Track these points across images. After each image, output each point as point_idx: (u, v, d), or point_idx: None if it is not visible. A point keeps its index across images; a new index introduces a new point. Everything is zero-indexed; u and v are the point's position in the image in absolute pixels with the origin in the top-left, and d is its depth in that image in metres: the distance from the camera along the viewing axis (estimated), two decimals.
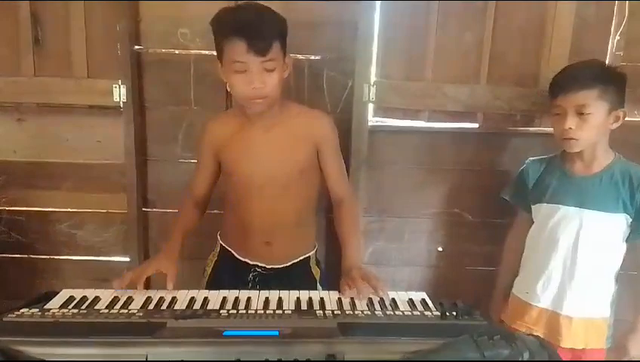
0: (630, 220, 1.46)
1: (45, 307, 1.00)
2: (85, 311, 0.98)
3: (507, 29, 1.76)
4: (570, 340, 1.49)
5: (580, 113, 1.40)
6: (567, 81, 1.44)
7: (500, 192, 1.70)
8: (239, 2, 1.33)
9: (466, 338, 0.83)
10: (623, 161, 1.49)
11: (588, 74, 1.43)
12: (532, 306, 1.55)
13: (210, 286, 1.48)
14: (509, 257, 1.69)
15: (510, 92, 1.76)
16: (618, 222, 1.46)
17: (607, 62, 1.70)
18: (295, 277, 1.48)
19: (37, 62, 1.83)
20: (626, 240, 1.49)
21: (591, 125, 1.41)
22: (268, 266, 1.47)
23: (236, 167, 1.43)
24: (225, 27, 1.27)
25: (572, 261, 1.49)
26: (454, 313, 1.01)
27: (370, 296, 1.13)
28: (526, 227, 1.63)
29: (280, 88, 1.32)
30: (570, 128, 1.41)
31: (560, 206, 1.51)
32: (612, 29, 1.74)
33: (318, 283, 1.51)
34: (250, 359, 0.80)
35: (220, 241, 1.55)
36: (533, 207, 1.59)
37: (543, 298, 1.53)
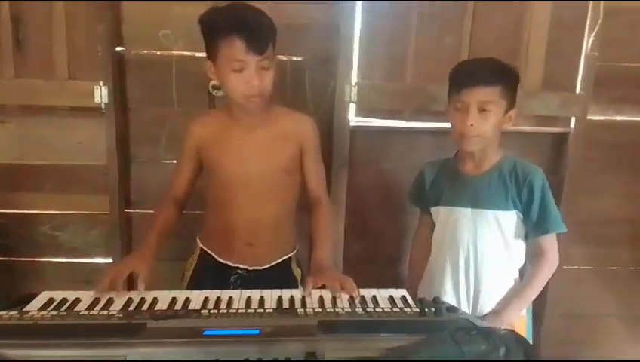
0: (521, 216, 1.45)
1: (24, 309, 0.99)
2: (65, 313, 0.98)
3: (485, 30, 1.79)
4: None
5: (483, 109, 1.36)
6: (473, 76, 1.39)
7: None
8: (228, 2, 1.32)
9: (444, 334, 0.84)
10: (511, 159, 1.48)
11: (494, 71, 1.39)
12: None
13: (190, 289, 1.46)
14: (416, 261, 1.66)
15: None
16: (511, 220, 1.45)
17: (582, 61, 1.73)
18: (276, 278, 1.48)
19: (18, 64, 1.82)
20: (526, 238, 1.49)
21: (491, 123, 1.38)
22: (250, 268, 1.47)
23: (219, 165, 1.43)
24: (222, 26, 1.26)
25: (474, 262, 1.48)
26: (434, 309, 1.02)
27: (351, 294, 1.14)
28: (429, 229, 1.62)
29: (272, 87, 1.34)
30: (472, 125, 1.37)
31: (455, 207, 1.50)
32: (587, 30, 1.77)
33: (299, 285, 1.51)
34: (230, 358, 0.80)
35: (200, 245, 1.54)
36: (432, 209, 1.58)
37: (452, 301, 1.47)
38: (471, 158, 1.48)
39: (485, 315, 1.48)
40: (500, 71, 1.40)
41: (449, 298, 1.50)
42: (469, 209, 1.47)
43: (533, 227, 1.45)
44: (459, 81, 1.41)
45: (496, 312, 1.46)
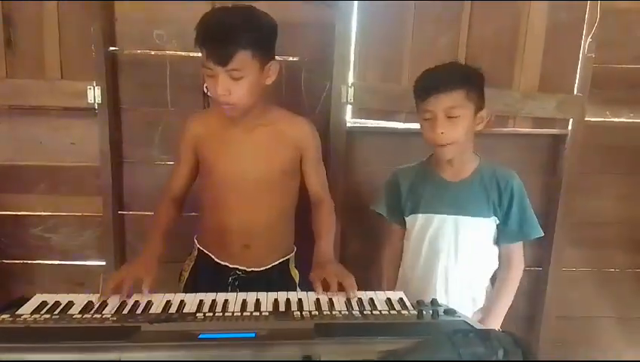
0: (498, 222, 1.46)
1: (17, 313, 0.98)
2: (58, 317, 0.96)
3: (482, 32, 1.79)
4: None
5: (450, 116, 1.36)
6: (436, 83, 1.38)
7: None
8: (218, 6, 1.31)
9: (442, 336, 0.83)
10: (488, 164, 1.48)
11: (456, 75, 1.39)
12: None
13: (188, 290, 1.44)
14: (390, 271, 1.62)
15: (484, 93, 1.78)
16: (490, 226, 1.46)
17: (579, 63, 1.72)
18: (275, 280, 1.47)
19: (9, 64, 1.79)
20: (496, 243, 1.49)
21: (462, 127, 1.37)
22: (248, 269, 1.46)
23: (215, 165, 1.42)
24: (197, 32, 1.26)
25: (453, 269, 1.47)
26: (431, 312, 1.01)
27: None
28: (400, 238, 1.59)
29: (254, 95, 1.31)
30: (442, 133, 1.36)
31: (435, 215, 1.48)
32: (584, 31, 1.77)
33: (297, 286, 1.50)
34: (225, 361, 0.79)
35: (198, 245, 1.53)
36: (407, 218, 1.55)
37: None
38: (449, 165, 1.47)
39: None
40: (461, 74, 1.40)
41: None
42: (451, 216, 1.46)
43: (513, 233, 1.46)
44: (422, 91, 1.40)
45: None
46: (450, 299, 1.45)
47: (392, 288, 1.58)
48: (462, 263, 1.47)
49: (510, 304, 1.49)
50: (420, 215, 1.50)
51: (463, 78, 1.38)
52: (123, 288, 1.11)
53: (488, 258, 1.50)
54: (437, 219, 1.47)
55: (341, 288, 1.16)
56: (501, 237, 1.48)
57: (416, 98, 1.44)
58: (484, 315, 1.49)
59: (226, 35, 1.22)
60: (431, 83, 1.39)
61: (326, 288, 1.16)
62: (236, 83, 1.26)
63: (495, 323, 1.46)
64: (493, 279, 1.53)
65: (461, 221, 1.45)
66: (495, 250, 1.50)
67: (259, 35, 1.27)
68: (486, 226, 1.46)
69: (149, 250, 1.29)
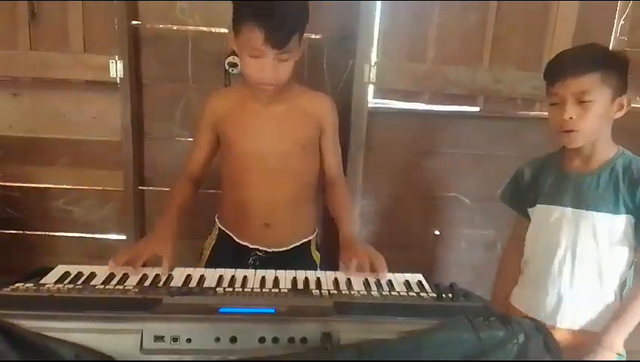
0: (634, 221, 1.30)
1: (40, 282, 0.99)
2: (81, 287, 0.97)
3: (510, 10, 1.75)
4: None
5: (582, 101, 1.24)
6: (566, 65, 1.28)
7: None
8: None
9: (462, 319, 0.83)
10: (626, 155, 1.33)
11: (588, 57, 1.27)
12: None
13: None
14: (506, 268, 1.55)
15: (512, 75, 1.75)
16: (620, 225, 1.31)
17: (611, 46, 1.67)
18: (295, 261, 1.45)
19: (33, 36, 1.80)
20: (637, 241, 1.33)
21: (593, 114, 1.25)
22: (269, 250, 1.46)
23: (236, 140, 1.41)
24: (246, 11, 1.22)
25: (571, 268, 1.35)
26: (450, 295, 1.00)
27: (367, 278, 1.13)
28: (523, 231, 1.48)
29: (291, 73, 1.30)
30: (571, 118, 1.25)
31: (555, 206, 1.37)
32: (617, 13, 1.72)
33: (318, 268, 1.50)
34: (245, 336, 0.79)
35: (219, 224, 1.53)
36: (530, 209, 1.45)
37: (540, 310, 1.39)
38: (578, 154, 1.35)
39: (583, 344, 1.34)
40: (599, 56, 1.28)
41: (534, 308, 1.40)
42: (570, 209, 1.34)
43: None
44: (552, 74, 1.31)
45: (596, 339, 1.31)
46: (567, 304, 1.36)
47: (509, 286, 1.51)
48: (579, 262, 1.34)
49: (636, 323, 1.32)
50: (540, 206, 1.41)
51: (599, 60, 1.26)
52: (136, 262, 1.11)
53: (615, 261, 1.34)
54: (557, 211, 1.37)
55: (372, 269, 1.15)
56: (638, 236, 1.33)
57: (546, 81, 1.34)
58: (608, 323, 1.32)
59: (286, 18, 1.20)
60: (560, 65, 1.30)
61: (358, 269, 1.15)
62: (283, 64, 1.25)
63: (616, 338, 1.30)
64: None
65: (582, 215, 1.33)
66: (627, 253, 1.34)
67: (305, 15, 1.27)
68: (613, 224, 1.31)
69: (164, 227, 1.28)
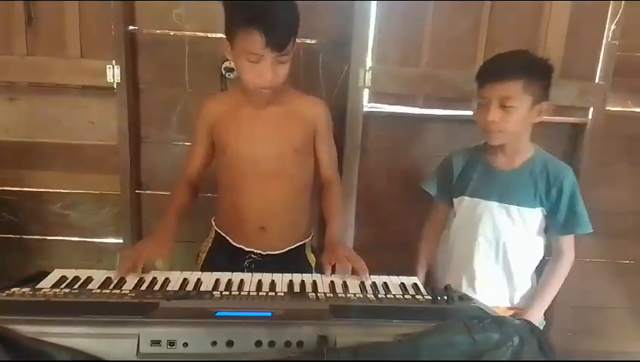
0: (545, 213, 1.45)
1: (37, 286, 0.99)
2: (77, 291, 0.98)
3: (504, 15, 1.76)
4: None
5: (504, 105, 1.34)
6: (493, 71, 1.38)
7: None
8: None
9: (457, 321, 0.83)
10: (542, 155, 1.46)
11: (513, 65, 1.36)
12: None
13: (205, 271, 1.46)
14: (428, 248, 1.66)
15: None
16: (537, 217, 1.45)
17: (602, 50, 1.69)
18: (291, 264, 1.47)
19: (30, 41, 1.81)
20: (545, 235, 1.49)
21: (515, 118, 1.35)
22: (264, 253, 1.47)
23: (231, 144, 1.42)
24: (243, 14, 1.21)
25: (495, 255, 1.49)
26: (445, 297, 1.01)
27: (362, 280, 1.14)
28: (443, 218, 1.63)
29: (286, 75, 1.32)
30: (494, 121, 1.36)
31: (481, 200, 1.49)
32: (608, 18, 1.73)
33: (313, 271, 1.50)
34: (242, 340, 0.80)
35: (215, 227, 1.54)
36: (455, 199, 1.57)
37: (468, 292, 1.44)
38: (501, 152, 1.47)
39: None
40: (523, 64, 1.36)
41: (463, 288, 1.51)
42: (495, 203, 1.46)
43: (559, 226, 1.44)
44: (482, 77, 1.41)
45: (519, 315, 1.45)
46: (487, 283, 1.50)
47: (430, 262, 1.63)
48: (503, 250, 1.48)
49: (552, 298, 1.49)
50: (467, 198, 1.52)
51: (522, 68, 1.35)
52: (137, 265, 1.12)
53: (532, 247, 1.49)
54: (482, 204, 1.48)
55: (353, 272, 1.17)
56: (550, 228, 1.47)
57: (477, 82, 1.43)
58: (527, 303, 1.49)
59: (284, 20, 1.21)
60: (488, 70, 1.40)
61: (338, 272, 1.17)
62: (281, 66, 1.26)
63: (537, 313, 1.47)
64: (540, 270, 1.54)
65: (505, 208, 1.45)
66: (542, 240, 1.50)
67: (298, 17, 1.27)
68: (530, 216, 1.45)
69: (163, 230, 1.29)
